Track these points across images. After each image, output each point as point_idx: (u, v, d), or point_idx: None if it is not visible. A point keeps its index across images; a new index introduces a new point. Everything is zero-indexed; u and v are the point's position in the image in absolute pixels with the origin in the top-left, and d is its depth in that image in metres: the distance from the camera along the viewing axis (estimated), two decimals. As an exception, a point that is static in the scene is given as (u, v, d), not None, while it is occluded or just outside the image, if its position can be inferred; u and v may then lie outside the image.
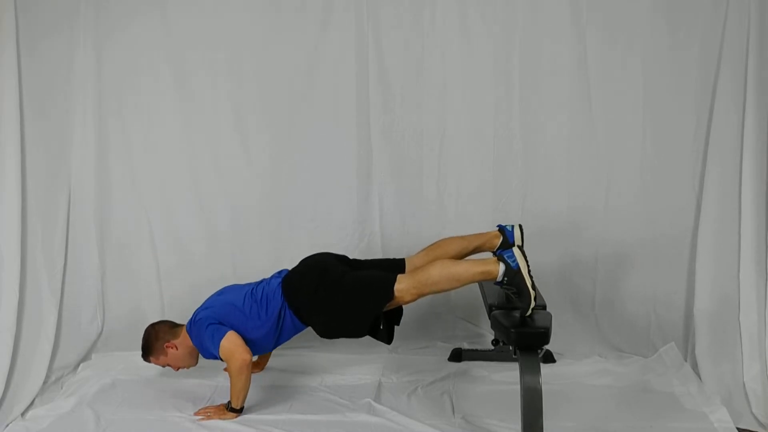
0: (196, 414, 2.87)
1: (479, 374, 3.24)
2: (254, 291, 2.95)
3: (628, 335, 3.46)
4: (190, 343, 2.98)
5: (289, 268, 2.98)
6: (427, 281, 2.71)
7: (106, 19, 3.38)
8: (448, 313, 3.62)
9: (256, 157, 3.50)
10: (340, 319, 2.81)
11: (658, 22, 3.25)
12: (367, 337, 3.49)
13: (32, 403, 3.00)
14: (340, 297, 2.79)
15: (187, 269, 3.54)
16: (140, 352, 3.09)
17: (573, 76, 3.35)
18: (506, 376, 3.14)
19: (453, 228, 3.40)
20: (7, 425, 2.80)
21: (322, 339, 3.45)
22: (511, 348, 2.67)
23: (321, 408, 2.93)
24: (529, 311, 2.58)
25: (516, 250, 2.64)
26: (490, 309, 2.75)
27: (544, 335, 2.51)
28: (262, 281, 3.01)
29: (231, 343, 2.82)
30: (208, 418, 2.84)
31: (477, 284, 3.11)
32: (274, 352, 3.39)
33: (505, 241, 2.94)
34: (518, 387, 2.46)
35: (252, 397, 2.92)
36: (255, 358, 3.29)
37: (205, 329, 2.87)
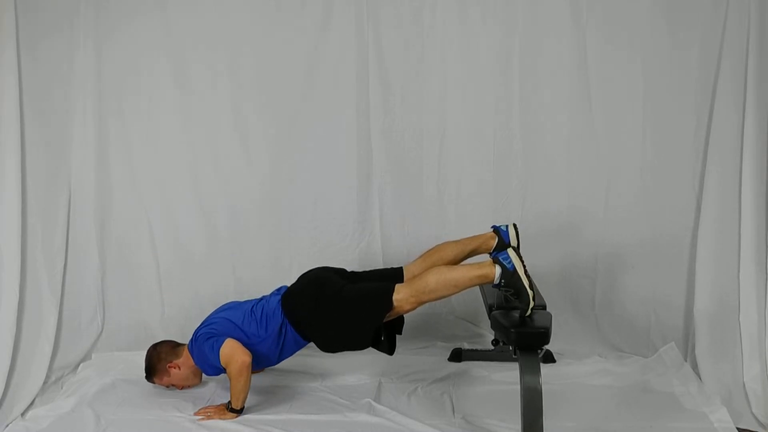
0: (196, 414, 2.87)
1: (479, 374, 3.24)
2: (254, 309, 2.96)
3: (628, 335, 3.46)
4: (192, 362, 3.00)
5: (288, 284, 3.00)
6: (424, 289, 2.71)
7: (106, 19, 3.38)
8: (448, 313, 3.62)
9: (256, 157, 3.50)
10: (341, 332, 2.82)
11: (658, 22, 3.25)
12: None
13: (32, 403, 2.99)
14: (339, 310, 2.79)
15: (187, 269, 3.54)
16: (140, 352, 3.09)
17: (573, 75, 3.35)
18: (506, 376, 3.13)
19: (453, 228, 3.40)
20: (7, 425, 2.80)
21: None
22: (511, 348, 2.67)
23: (321, 408, 2.93)
24: (529, 311, 2.58)
25: (510, 251, 2.64)
26: (490, 309, 2.75)
27: (544, 335, 2.51)
28: (262, 299, 3.02)
29: (230, 347, 2.83)
30: (208, 418, 2.84)
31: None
32: (274, 352, 3.40)
33: (501, 242, 2.93)
34: (518, 387, 2.46)
35: (252, 397, 2.92)
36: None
37: (205, 342, 2.89)
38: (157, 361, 3.05)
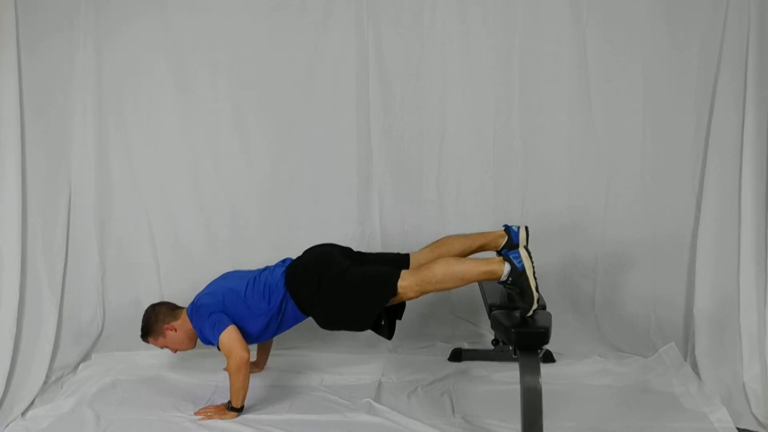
0: (196, 414, 2.87)
1: (479, 374, 3.24)
2: (257, 279, 2.94)
3: (628, 335, 3.46)
4: (189, 326, 2.98)
5: (293, 258, 2.98)
6: (431, 279, 2.70)
7: (106, 19, 3.38)
8: (448, 313, 3.62)
9: (256, 157, 3.50)
10: (343, 313, 2.81)
11: (658, 22, 3.25)
12: (367, 338, 3.51)
13: (32, 403, 2.99)
14: (343, 292, 2.78)
15: (187, 269, 3.53)
16: (140, 352, 3.08)
17: (573, 76, 3.35)
18: (506, 376, 3.13)
19: (453, 228, 3.39)
20: (7, 425, 2.80)
21: (323, 338, 3.47)
22: (511, 348, 2.67)
23: (321, 408, 2.93)
24: (531, 312, 2.58)
25: (523, 251, 2.63)
26: (490, 309, 2.74)
27: (544, 335, 2.51)
28: (265, 269, 3.00)
29: (230, 339, 2.81)
30: (208, 418, 2.84)
31: (477, 284, 3.11)
32: (274, 352, 3.40)
33: (510, 242, 2.93)
34: (518, 387, 2.46)
35: (252, 397, 2.92)
36: (254, 358, 3.30)
37: (207, 318, 2.87)
38: (155, 321, 3.03)
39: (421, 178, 3.52)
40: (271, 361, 3.36)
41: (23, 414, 2.90)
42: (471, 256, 2.94)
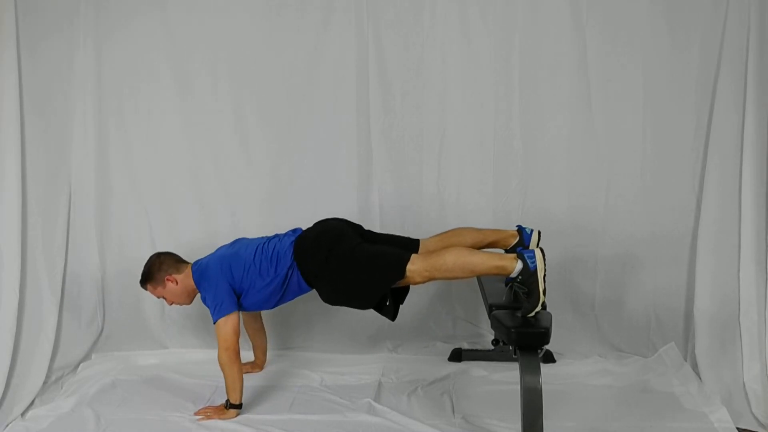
0: (196, 414, 2.87)
1: (479, 374, 3.24)
2: (266, 246, 2.93)
3: (628, 335, 3.46)
4: (191, 283, 2.97)
5: (304, 228, 2.98)
6: (441, 266, 2.68)
7: (106, 19, 3.38)
8: (448, 313, 3.62)
9: (256, 157, 3.50)
10: (349, 290, 2.80)
11: (658, 22, 3.25)
12: (368, 338, 3.51)
13: (32, 403, 2.99)
14: (351, 269, 2.77)
15: (187, 269, 3.54)
16: (140, 352, 3.08)
17: (573, 76, 3.35)
18: (506, 376, 3.14)
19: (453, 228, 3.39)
20: (7, 425, 2.80)
21: (323, 338, 3.47)
22: (511, 348, 2.66)
23: (321, 408, 2.93)
24: (533, 313, 2.58)
25: (537, 252, 2.60)
26: (490, 309, 2.74)
27: (544, 335, 2.51)
28: (274, 236, 2.99)
29: (228, 327, 2.79)
30: (208, 418, 2.83)
31: (477, 283, 3.11)
32: (274, 352, 3.40)
33: (521, 243, 2.93)
34: (518, 387, 2.46)
35: (252, 397, 2.92)
36: (252, 359, 3.29)
37: (214, 288, 2.85)
38: (158, 269, 3.01)
39: (421, 178, 3.51)
40: (271, 361, 3.37)
41: (23, 414, 2.90)
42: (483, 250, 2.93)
